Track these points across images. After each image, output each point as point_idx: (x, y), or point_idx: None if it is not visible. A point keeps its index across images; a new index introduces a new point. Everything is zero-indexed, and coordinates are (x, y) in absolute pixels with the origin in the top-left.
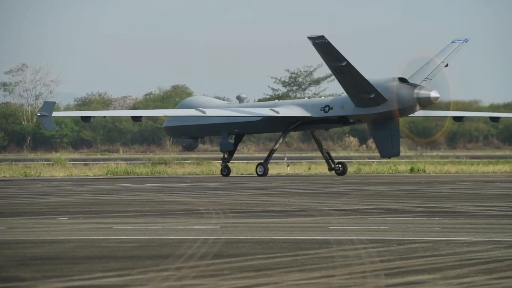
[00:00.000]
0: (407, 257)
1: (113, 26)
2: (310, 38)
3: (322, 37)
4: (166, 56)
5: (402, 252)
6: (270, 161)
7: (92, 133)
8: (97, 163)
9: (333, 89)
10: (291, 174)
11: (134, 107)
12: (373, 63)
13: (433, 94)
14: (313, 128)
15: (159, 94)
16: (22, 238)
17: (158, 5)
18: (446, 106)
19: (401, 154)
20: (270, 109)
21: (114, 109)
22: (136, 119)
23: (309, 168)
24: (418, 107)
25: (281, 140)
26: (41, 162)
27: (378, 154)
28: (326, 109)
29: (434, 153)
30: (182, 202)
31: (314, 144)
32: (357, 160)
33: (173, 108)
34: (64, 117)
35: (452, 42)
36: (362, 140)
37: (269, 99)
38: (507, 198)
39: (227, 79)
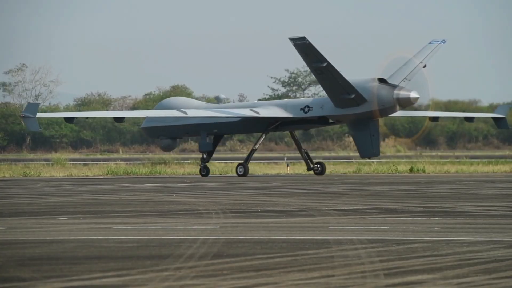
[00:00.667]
0: (407, 257)
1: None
2: (291, 39)
3: (304, 38)
4: (166, 56)
5: (401, 252)
6: (270, 161)
7: (91, 133)
8: (96, 163)
9: None
10: (291, 174)
11: (133, 107)
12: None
13: (413, 94)
14: (292, 128)
15: (159, 94)
16: (22, 238)
17: (158, 6)
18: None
19: (401, 154)
20: (251, 109)
21: (114, 109)
22: (118, 120)
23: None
24: (398, 107)
25: (261, 140)
26: (40, 162)
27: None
28: (306, 109)
29: (434, 153)
30: (181, 202)
31: (314, 144)
32: (357, 160)
33: (152, 109)
34: (48, 118)
35: (430, 43)
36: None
37: (268, 100)
38: (506, 198)
39: (227, 79)
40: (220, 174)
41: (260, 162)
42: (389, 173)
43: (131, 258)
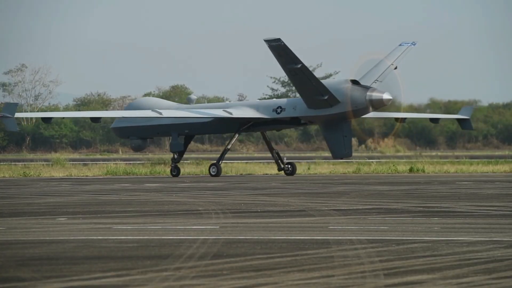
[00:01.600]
0: (406, 257)
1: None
2: (266, 40)
3: (279, 40)
4: (165, 56)
5: (401, 252)
6: (270, 161)
7: (91, 133)
8: (96, 163)
9: None
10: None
11: None
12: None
13: (386, 96)
14: (265, 129)
15: (158, 94)
16: (22, 238)
17: (158, 6)
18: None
19: (401, 154)
20: (224, 110)
21: (114, 109)
22: (95, 120)
23: (309, 168)
24: (370, 108)
25: (233, 141)
26: (40, 162)
27: (378, 154)
28: (279, 110)
29: (434, 153)
30: (181, 202)
31: (314, 144)
32: (357, 160)
33: (122, 110)
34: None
35: (400, 45)
36: (361, 140)
37: (268, 99)
38: (506, 198)
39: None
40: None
41: (260, 162)
42: (389, 173)
43: (131, 258)
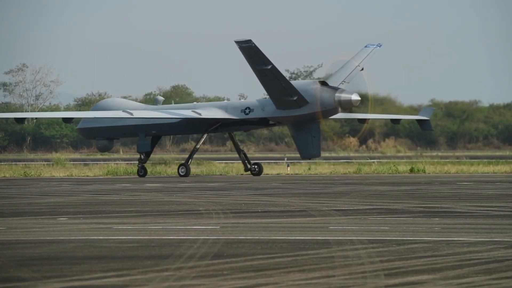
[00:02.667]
0: (407, 257)
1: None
2: (237, 42)
3: (250, 41)
4: (166, 56)
5: (402, 252)
6: (270, 161)
7: None
8: (97, 163)
9: None
10: (291, 174)
11: None
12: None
13: (354, 97)
14: (233, 129)
15: (159, 94)
16: (22, 238)
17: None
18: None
19: (401, 154)
20: (192, 111)
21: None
22: (67, 120)
23: (309, 169)
24: (339, 109)
25: (202, 141)
26: (41, 162)
27: (378, 154)
28: (247, 111)
29: (434, 153)
30: (182, 202)
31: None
32: (357, 160)
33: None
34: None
35: (366, 46)
36: (362, 140)
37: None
38: (507, 199)
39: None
40: (220, 174)
41: (260, 162)
42: (390, 174)
43: (132, 258)
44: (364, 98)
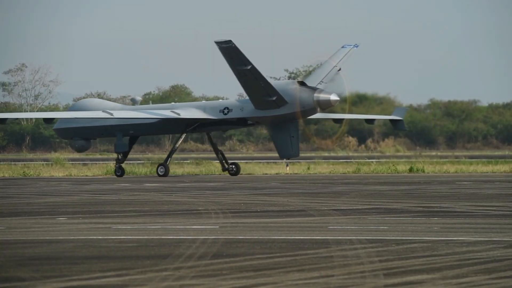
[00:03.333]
0: (406, 257)
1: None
2: (217, 42)
3: (230, 41)
4: (165, 56)
5: (401, 252)
6: (270, 161)
7: None
8: (96, 163)
9: (333, 89)
10: (290, 174)
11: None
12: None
13: (333, 97)
14: (211, 129)
15: (158, 94)
16: (21, 238)
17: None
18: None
19: (400, 154)
20: (171, 111)
21: None
22: (48, 121)
23: (308, 168)
24: (318, 109)
25: (180, 141)
26: (40, 162)
27: (378, 154)
28: (226, 111)
29: (433, 153)
30: (181, 202)
31: (314, 144)
32: (356, 160)
33: (65, 111)
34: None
35: (342, 47)
36: (361, 140)
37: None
38: (506, 198)
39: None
40: (220, 174)
41: (260, 162)
42: (389, 173)
43: (131, 258)
44: (342, 98)
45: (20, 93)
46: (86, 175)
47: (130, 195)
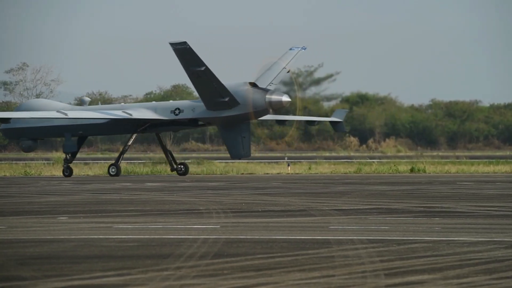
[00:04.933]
0: (407, 257)
1: (114, 26)
2: (171, 44)
3: (185, 43)
4: (166, 56)
5: (402, 252)
6: (271, 161)
7: None
8: (97, 163)
9: (334, 89)
10: (292, 174)
11: None
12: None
13: (285, 98)
14: (162, 130)
15: (160, 94)
16: (22, 237)
17: (158, 5)
18: (447, 107)
19: (401, 154)
20: (123, 111)
21: None
22: (3, 121)
23: (310, 168)
24: (270, 110)
25: (130, 141)
26: (41, 161)
27: (378, 154)
28: (177, 112)
29: (435, 153)
30: (182, 202)
31: (315, 144)
32: (358, 160)
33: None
34: None
35: (290, 49)
36: (363, 140)
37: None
38: (507, 199)
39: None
40: (221, 174)
41: (261, 162)
42: (390, 173)
43: (132, 258)
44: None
45: (22, 92)
46: (87, 174)
47: (131, 195)
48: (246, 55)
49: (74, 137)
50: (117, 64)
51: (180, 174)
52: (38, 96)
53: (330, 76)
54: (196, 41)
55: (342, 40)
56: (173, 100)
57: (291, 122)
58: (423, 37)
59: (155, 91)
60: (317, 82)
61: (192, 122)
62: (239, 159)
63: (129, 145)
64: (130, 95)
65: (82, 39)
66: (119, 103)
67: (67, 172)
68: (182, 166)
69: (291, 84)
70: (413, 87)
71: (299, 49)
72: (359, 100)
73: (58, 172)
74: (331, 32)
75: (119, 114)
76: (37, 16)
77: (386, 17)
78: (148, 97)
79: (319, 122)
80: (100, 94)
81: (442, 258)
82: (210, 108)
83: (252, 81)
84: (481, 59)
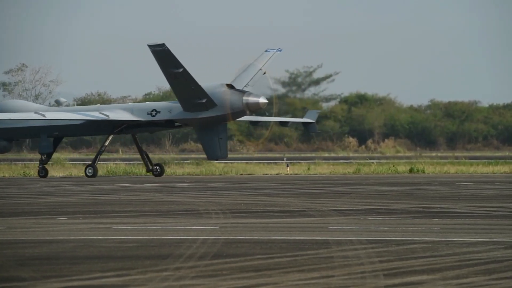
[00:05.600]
0: (406, 258)
1: (113, 26)
2: (149, 46)
3: (163, 45)
4: None
5: (401, 252)
6: (270, 161)
7: None
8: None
9: (333, 90)
10: (291, 174)
11: None
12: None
13: (261, 100)
14: (139, 131)
15: (159, 94)
16: (22, 238)
17: (158, 5)
18: (446, 107)
19: (400, 154)
20: (100, 112)
21: None
22: None
23: (309, 169)
24: (247, 112)
25: (107, 142)
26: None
27: (378, 154)
28: (153, 113)
29: (434, 154)
30: (181, 202)
31: (314, 144)
32: (356, 161)
33: None
34: None
35: (266, 51)
36: (362, 141)
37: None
38: (506, 199)
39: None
40: (220, 174)
41: (260, 163)
42: (389, 174)
43: (131, 258)
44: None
45: (21, 93)
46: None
47: (130, 195)
48: (246, 55)
49: (50, 137)
50: (116, 65)
51: (155, 175)
52: (37, 97)
53: (329, 76)
54: (197, 41)
55: (341, 40)
56: (172, 101)
57: (265, 123)
58: (423, 37)
59: (154, 91)
60: (316, 82)
61: (169, 124)
62: (216, 160)
63: (106, 146)
64: (129, 96)
65: (81, 40)
66: (119, 103)
67: (42, 173)
68: (157, 167)
69: (290, 84)
70: (412, 88)
71: (275, 50)
72: (358, 100)
73: (56, 173)
74: (330, 32)
75: (95, 115)
76: (37, 16)
77: (385, 17)
78: (147, 98)
79: (292, 123)
80: (99, 95)
81: (441, 258)
82: (187, 110)
83: (229, 82)
84: (480, 60)
